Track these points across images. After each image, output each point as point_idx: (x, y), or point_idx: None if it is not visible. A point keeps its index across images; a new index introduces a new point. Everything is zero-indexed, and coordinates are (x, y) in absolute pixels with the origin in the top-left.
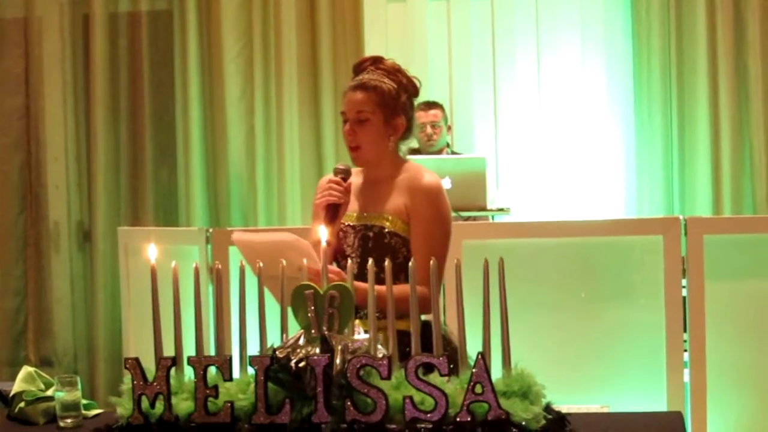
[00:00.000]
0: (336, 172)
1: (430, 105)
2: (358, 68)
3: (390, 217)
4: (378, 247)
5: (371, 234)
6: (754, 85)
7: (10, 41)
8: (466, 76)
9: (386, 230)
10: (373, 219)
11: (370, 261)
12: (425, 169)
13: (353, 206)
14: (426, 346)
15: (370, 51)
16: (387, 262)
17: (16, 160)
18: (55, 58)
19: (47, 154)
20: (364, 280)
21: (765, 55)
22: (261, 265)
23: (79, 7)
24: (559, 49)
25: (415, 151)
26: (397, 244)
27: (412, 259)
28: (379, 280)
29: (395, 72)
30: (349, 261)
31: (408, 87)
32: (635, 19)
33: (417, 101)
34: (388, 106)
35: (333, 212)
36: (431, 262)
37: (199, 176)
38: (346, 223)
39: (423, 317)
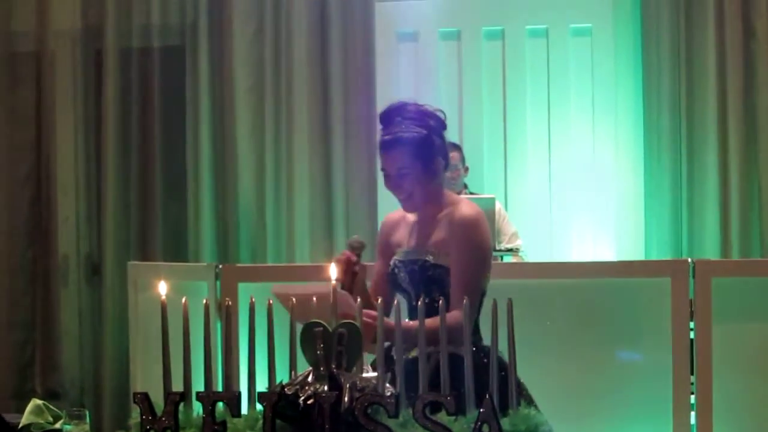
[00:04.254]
0: (351, 247)
1: (459, 146)
2: (385, 119)
3: (433, 250)
4: (424, 280)
5: (416, 267)
6: (763, 127)
7: (23, 75)
8: (476, 115)
9: (429, 263)
10: (417, 254)
11: (380, 300)
12: (465, 201)
13: (408, 243)
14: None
15: (380, 89)
16: (441, 301)
17: (26, 193)
18: (67, 92)
19: (57, 187)
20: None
21: None
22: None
23: (92, 42)
24: (569, 90)
25: None
26: (441, 275)
27: (465, 298)
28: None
29: (422, 116)
30: (358, 299)
31: (437, 128)
32: (645, 62)
33: None
34: (426, 154)
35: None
36: (464, 301)
37: (208, 212)
38: (398, 259)
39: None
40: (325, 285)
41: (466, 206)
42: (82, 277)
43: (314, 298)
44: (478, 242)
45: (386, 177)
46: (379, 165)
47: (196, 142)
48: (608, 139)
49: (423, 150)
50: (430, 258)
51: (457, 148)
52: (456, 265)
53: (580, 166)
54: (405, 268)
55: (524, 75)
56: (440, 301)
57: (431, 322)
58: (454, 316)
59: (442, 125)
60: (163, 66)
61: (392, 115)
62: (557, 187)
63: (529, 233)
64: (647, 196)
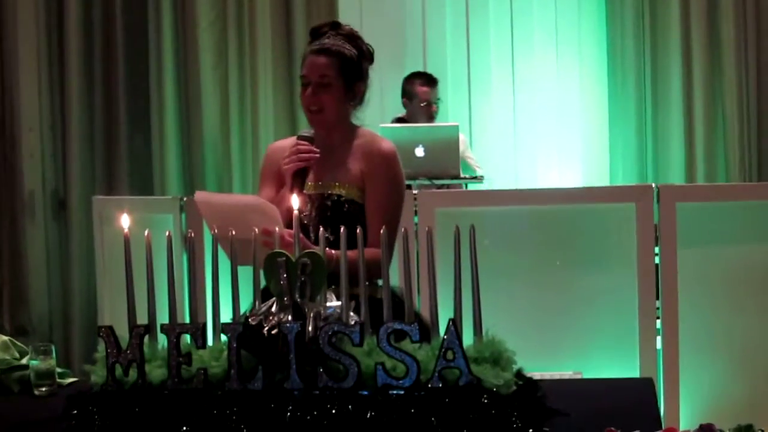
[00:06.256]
0: (301, 139)
1: (436, 81)
2: (317, 33)
3: (347, 185)
4: (336, 216)
5: (329, 203)
6: (727, 51)
7: None
8: (440, 45)
9: (343, 198)
10: (329, 187)
11: (342, 229)
12: (379, 135)
13: (315, 175)
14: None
15: (344, 18)
16: (359, 230)
17: None
18: (29, 27)
19: (22, 123)
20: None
21: (738, 21)
22: (233, 232)
23: None
24: (532, 18)
25: (400, 120)
26: (354, 211)
27: (383, 228)
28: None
29: (355, 38)
30: (321, 228)
31: (366, 54)
32: None
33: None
34: (351, 72)
35: (302, 178)
36: (382, 231)
37: (173, 145)
38: (304, 192)
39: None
40: (253, 196)
41: (382, 140)
42: (48, 212)
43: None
44: (399, 179)
45: (304, 87)
46: None
47: (159, 75)
48: (572, 65)
49: (350, 67)
50: (343, 192)
51: (434, 81)
52: (375, 201)
53: (545, 94)
54: (312, 203)
55: (487, 3)
56: (358, 230)
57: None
58: (374, 252)
59: (371, 57)
60: None
61: (324, 29)
62: (522, 114)
63: (495, 161)
64: (612, 123)
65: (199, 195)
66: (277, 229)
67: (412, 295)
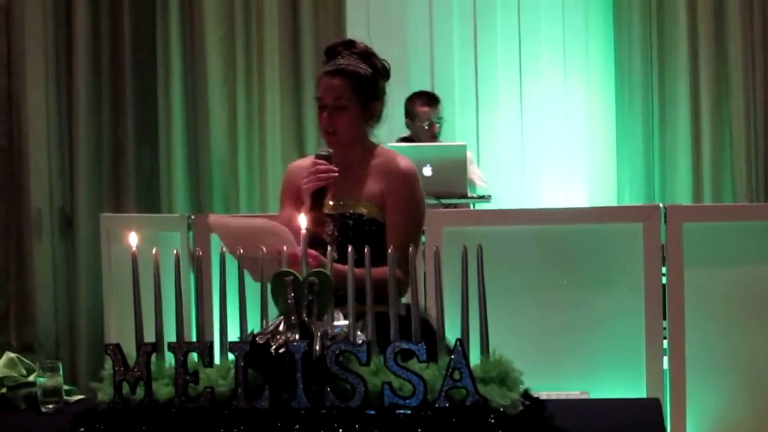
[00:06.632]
0: (318, 158)
1: (437, 100)
2: (331, 52)
3: (367, 204)
4: (359, 235)
5: (351, 222)
6: (735, 72)
7: None
8: (447, 62)
9: (365, 218)
10: (350, 207)
11: (350, 248)
12: (398, 153)
13: (335, 194)
14: (405, 329)
15: (351, 36)
16: (366, 249)
17: None
18: (37, 42)
19: (29, 140)
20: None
21: (746, 41)
22: (241, 251)
23: None
24: (540, 36)
25: (405, 139)
26: (376, 230)
27: (390, 247)
28: (356, 266)
29: (369, 56)
30: (329, 248)
31: (382, 72)
32: (616, 6)
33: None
34: (366, 92)
35: (321, 197)
36: (410, 249)
37: (180, 162)
38: (324, 211)
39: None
40: (265, 219)
41: (402, 159)
42: (55, 230)
43: (281, 251)
44: (418, 197)
45: (320, 110)
46: None
47: (167, 92)
48: (580, 84)
49: (365, 87)
50: (364, 211)
51: (436, 100)
52: (395, 220)
53: (552, 113)
54: (334, 222)
55: (495, 22)
56: (366, 249)
57: (377, 272)
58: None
59: (387, 74)
60: (133, 13)
61: (339, 48)
62: (529, 133)
63: (501, 180)
64: (619, 142)
65: (213, 218)
66: (285, 248)
67: (419, 314)
